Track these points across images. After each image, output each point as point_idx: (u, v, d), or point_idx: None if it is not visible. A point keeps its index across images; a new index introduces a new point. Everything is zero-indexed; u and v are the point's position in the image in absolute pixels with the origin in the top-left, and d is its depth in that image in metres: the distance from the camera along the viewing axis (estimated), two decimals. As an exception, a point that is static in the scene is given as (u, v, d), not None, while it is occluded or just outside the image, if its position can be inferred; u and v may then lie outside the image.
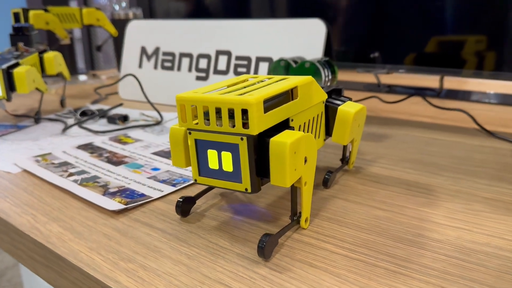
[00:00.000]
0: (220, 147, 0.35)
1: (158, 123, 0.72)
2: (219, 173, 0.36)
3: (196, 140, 0.36)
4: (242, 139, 0.33)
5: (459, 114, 0.72)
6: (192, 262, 0.34)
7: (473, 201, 0.42)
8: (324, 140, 0.46)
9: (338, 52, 0.77)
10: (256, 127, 0.33)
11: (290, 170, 0.33)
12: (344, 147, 0.50)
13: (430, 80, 0.86)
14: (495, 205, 0.41)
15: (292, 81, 0.39)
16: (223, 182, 0.36)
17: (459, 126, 0.66)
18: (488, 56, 0.66)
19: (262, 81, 0.41)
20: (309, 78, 0.40)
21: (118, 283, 0.31)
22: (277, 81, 0.39)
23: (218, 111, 0.34)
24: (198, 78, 0.84)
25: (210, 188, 0.44)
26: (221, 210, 0.42)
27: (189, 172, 0.51)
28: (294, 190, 0.37)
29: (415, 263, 0.32)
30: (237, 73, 0.79)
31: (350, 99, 0.46)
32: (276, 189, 0.46)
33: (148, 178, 0.49)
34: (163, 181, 0.48)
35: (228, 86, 0.39)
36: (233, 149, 0.34)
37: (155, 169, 0.52)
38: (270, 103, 0.36)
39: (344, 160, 0.50)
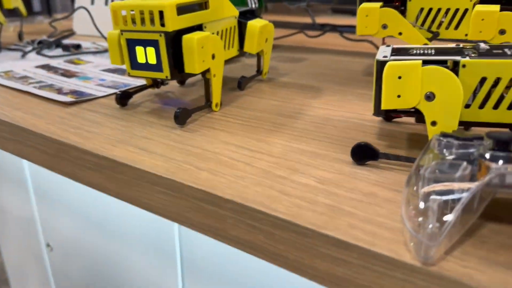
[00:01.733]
0: (145, 43, 0.46)
1: (107, 50, 0.81)
2: (146, 66, 0.47)
3: (127, 40, 0.46)
4: (160, 35, 0.44)
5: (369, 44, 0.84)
6: (126, 129, 0.45)
7: (349, 95, 0.54)
8: (238, 50, 0.57)
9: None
10: (171, 25, 0.44)
11: (198, 60, 0.44)
12: (258, 60, 0.61)
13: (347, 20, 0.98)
14: (363, 97, 0.54)
15: (205, -5, 0.49)
16: (149, 72, 0.47)
17: (366, 52, 0.79)
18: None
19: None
20: (220, -5, 0.51)
21: (68, 139, 0.42)
22: (194, -4, 0.49)
23: (142, 13, 0.45)
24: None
25: (145, 87, 0.54)
26: (154, 102, 0.53)
27: (130, 80, 0.61)
28: (207, 81, 0.48)
29: (288, 126, 0.45)
30: None
31: (260, 17, 0.57)
32: (200, 91, 0.57)
33: (96, 85, 0.60)
34: (109, 87, 0.59)
35: None
36: (155, 44, 0.45)
37: (103, 79, 0.62)
38: (185, 9, 0.46)
39: (259, 70, 0.62)
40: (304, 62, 0.72)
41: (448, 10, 0.53)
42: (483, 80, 0.33)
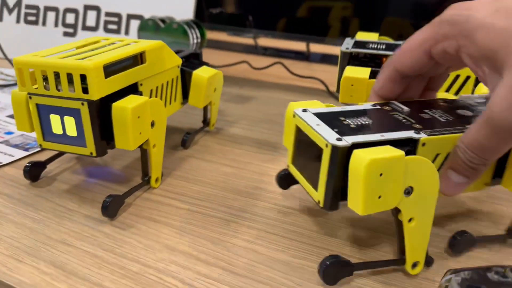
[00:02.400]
0: (62, 112, 0.35)
1: (19, 83, 0.67)
2: (64, 138, 0.36)
3: (37, 105, 0.36)
4: (82, 104, 0.34)
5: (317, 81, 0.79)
6: (37, 225, 0.34)
7: (311, 157, 0.47)
8: (182, 103, 0.48)
9: (211, 14, 0.78)
10: (96, 92, 0.34)
11: (133, 134, 0.35)
12: (205, 110, 0.52)
13: (300, 44, 0.92)
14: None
15: (140, 45, 0.40)
16: (68, 146, 0.36)
17: (316, 88, 0.73)
18: (352, 22, 0.73)
19: (114, 43, 0.41)
20: (159, 43, 0.41)
21: (-49, 251, 0.31)
22: (126, 45, 0.40)
23: (58, 76, 0.34)
24: (65, 34, 0.79)
25: (63, 152, 0.43)
26: (75, 173, 0.42)
27: (46, 135, 0.49)
28: (144, 152, 0.39)
29: (248, 213, 0.36)
30: (107, 30, 0.76)
31: (206, 64, 0.49)
32: (134, 151, 0.47)
33: (0, 142, 0.47)
34: (16, 146, 0.47)
35: (77, 48, 0.39)
36: (75, 114, 0.35)
37: (9, 133, 0.50)
38: (115, 68, 0.37)
39: (205, 121, 0.53)
40: (253, 103, 0.64)
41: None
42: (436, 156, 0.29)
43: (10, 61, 0.73)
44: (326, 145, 0.26)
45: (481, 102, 0.34)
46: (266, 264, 0.31)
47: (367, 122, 0.29)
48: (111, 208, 0.35)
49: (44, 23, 0.80)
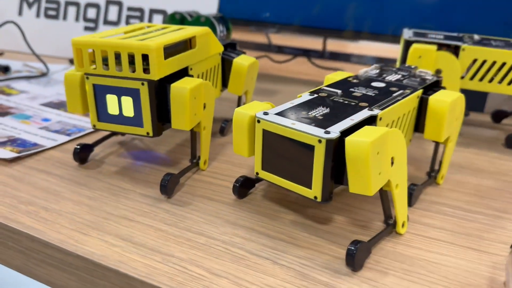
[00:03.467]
0: (120, 92, 0.36)
1: (43, 74, 0.68)
2: (120, 118, 0.37)
3: (94, 85, 0.36)
4: (143, 84, 0.35)
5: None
6: (94, 202, 0.35)
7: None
8: (221, 90, 0.49)
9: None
10: (157, 72, 0.35)
11: (190, 114, 0.36)
12: (239, 99, 0.53)
13: (315, 43, 0.93)
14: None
15: (190, 30, 0.40)
16: (124, 127, 0.37)
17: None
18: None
19: (159, 29, 0.42)
20: (206, 29, 0.42)
21: (21, 223, 0.31)
22: (174, 30, 0.41)
23: (117, 56, 0.35)
24: (86, 28, 0.80)
25: (108, 136, 0.44)
26: (121, 156, 0.43)
27: (83, 122, 0.50)
28: (194, 135, 0.40)
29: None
30: (129, 24, 0.77)
31: (244, 53, 0.50)
32: (175, 137, 0.48)
33: (40, 128, 0.48)
34: (56, 131, 0.47)
35: (125, 33, 0.40)
36: (133, 94, 0.35)
37: (46, 119, 0.50)
38: (170, 51, 0.37)
39: (238, 110, 0.54)
40: (279, 96, 0.65)
41: (504, 64, 0.46)
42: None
43: (35, 53, 0.73)
44: (319, 141, 0.28)
45: (376, 73, 0.40)
46: (327, 238, 0.32)
47: (326, 111, 0.31)
48: (170, 186, 0.35)
49: (64, 18, 0.81)
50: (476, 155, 0.46)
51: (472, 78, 0.47)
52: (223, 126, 0.49)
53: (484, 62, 0.46)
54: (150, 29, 0.42)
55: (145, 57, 0.34)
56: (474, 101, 0.60)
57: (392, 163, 0.29)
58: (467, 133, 0.51)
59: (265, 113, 0.31)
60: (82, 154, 0.41)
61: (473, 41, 0.48)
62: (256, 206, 0.35)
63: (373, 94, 0.35)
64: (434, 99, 0.35)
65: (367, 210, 0.35)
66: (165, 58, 0.36)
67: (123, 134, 0.45)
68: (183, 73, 0.39)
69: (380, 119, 0.31)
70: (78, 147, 0.40)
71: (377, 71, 0.41)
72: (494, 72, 0.46)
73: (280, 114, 0.31)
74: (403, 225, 0.32)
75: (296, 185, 0.30)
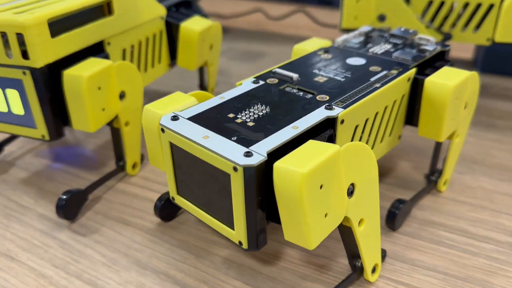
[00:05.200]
0: (3, 83, 0.27)
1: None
2: (9, 117, 0.28)
3: (-30, 74, 0.27)
4: (24, 73, 0.25)
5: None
6: (-22, 229, 0.27)
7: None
8: (170, 65, 0.39)
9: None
10: (40, 56, 0.25)
11: (93, 111, 0.27)
12: (201, 72, 0.43)
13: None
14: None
15: (106, -8, 0.30)
16: (15, 127, 0.28)
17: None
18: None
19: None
20: (132, -13, 0.32)
21: None
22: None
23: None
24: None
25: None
26: (38, 156, 0.34)
27: None
28: (116, 132, 0.31)
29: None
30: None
31: (205, 15, 0.39)
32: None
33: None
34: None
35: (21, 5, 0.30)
36: (17, 85, 0.26)
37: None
38: (69, 23, 0.28)
39: (202, 86, 0.44)
40: (263, 60, 0.55)
41: (466, 4, 0.38)
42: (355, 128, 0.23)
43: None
44: (235, 168, 0.18)
45: (359, 42, 0.30)
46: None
47: (264, 111, 0.21)
48: (68, 209, 0.27)
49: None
50: (497, 143, 0.35)
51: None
52: (174, 110, 0.39)
53: (442, 3, 0.38)
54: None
55: (22, 37, 0.25)
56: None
57: (352, 192, 0.19)
58: (485, 108, 0.40)
59: (174, 118, 0.21)
60: (-14, 155, 0.33)
61: None
62: (184, 233, 0.26)
63: (343, 79, 0.25)
64: (431, 82, 0.25)
65: (329, 246, 0.26)
66: (58, 34, 0.26)
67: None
68: (97, 50, 0.29)
69: (342, 122, 0.21)
70: (-21, 147, 0.32)
71: (362, 38, 0.31)
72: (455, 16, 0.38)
73: (194, 118, 0.21)
74: (374, 270, 0.23)
75: (218, 222, 0.21)
